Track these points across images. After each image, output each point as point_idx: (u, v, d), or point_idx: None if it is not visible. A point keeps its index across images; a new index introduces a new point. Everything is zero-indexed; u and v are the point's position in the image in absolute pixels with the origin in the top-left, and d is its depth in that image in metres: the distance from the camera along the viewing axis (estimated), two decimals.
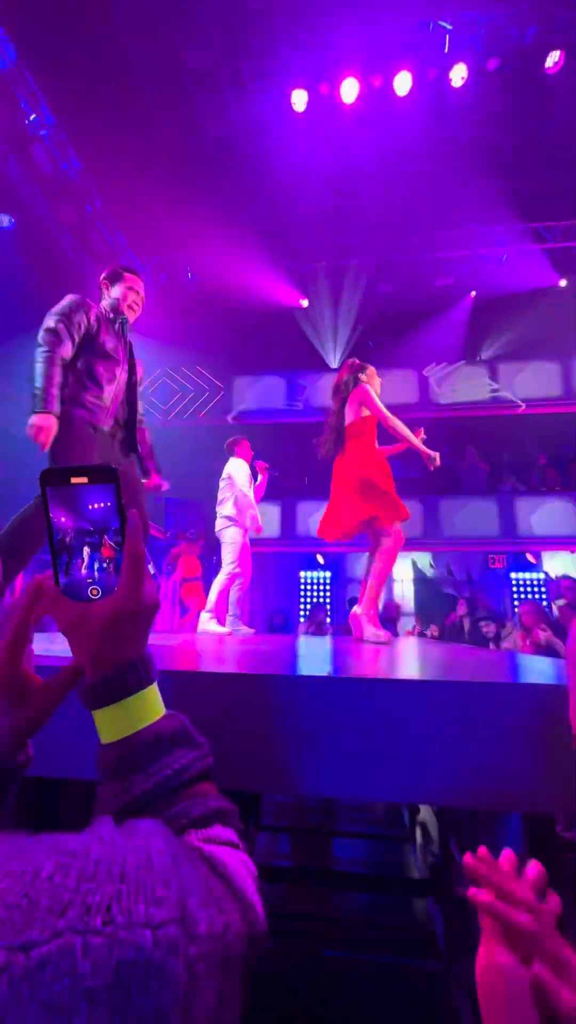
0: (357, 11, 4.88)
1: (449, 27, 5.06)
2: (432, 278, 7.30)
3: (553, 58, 5.00)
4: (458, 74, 5.21)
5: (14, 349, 5.32)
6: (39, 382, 1.60)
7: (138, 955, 0.18)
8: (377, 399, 2.39)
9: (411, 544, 7.91)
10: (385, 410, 2.39)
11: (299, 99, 5.44)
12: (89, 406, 1.69)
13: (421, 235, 6.97)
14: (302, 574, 7.79)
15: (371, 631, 2.21)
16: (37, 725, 0.42)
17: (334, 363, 8.00)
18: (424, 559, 7.67)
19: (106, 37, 4.59)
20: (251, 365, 8.10)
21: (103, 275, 1.92)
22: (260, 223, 6.69)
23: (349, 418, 2.45)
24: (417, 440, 2.39)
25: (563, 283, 7.32)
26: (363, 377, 2.48)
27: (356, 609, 2.34)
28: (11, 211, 5.85)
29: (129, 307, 1.87)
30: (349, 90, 5.34)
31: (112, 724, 0.39)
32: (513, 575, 7.11)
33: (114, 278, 1.89)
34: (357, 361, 2.58)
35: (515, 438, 7.56)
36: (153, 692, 0.41)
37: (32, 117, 5.54)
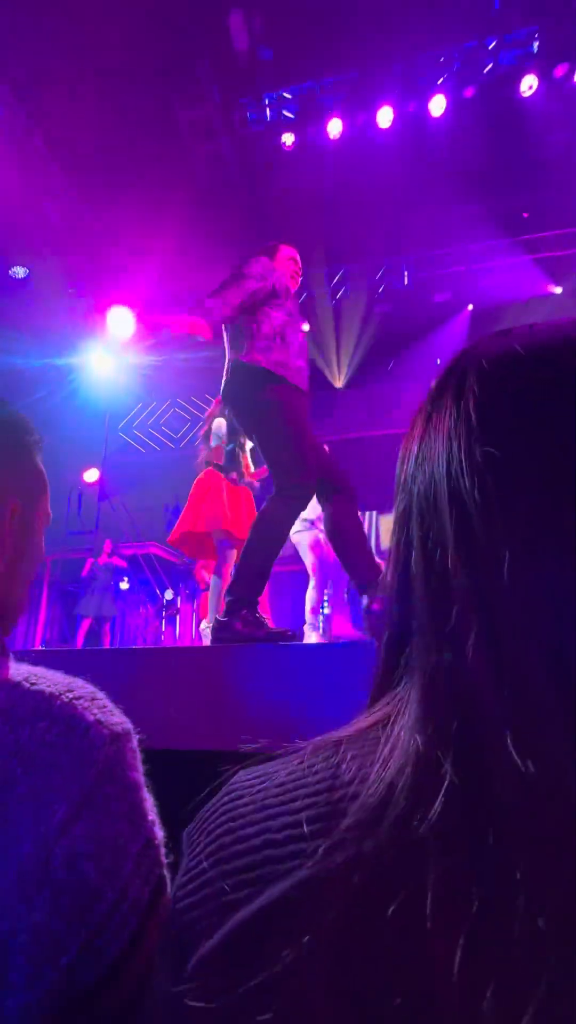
0: (336, 55, 5.20)
1: (425, 62, 5.34)
2: (430, 295, 7.49)
3: (527, 83, 5.23)
4: (437, 104, 5.47)
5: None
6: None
7: (84, 727, 0.32)
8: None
9: None
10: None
11: (288, 139, 5.76)
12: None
13: (415, 255, 7.19)
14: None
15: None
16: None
17: (338, 383, 8.21)
18: None
19: (109, 102, 4.97)
20: None
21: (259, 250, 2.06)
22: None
23: (214, 444, 2.82)
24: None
25: (558, 290, 7.44)
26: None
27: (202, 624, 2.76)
28: (25, 263, 6.25)
29: (292, 277, 2.04)
30: (335, 128, 5.64)
31: None
32: None
33: (272, 253, 2.04)
34: None
35: None
36: None
37: (43, 176, 5.95)
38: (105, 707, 0.35)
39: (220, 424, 2.91)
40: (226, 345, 1.96)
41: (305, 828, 0.23)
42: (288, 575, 7.25)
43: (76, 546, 6.10)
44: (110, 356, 7.37)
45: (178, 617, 6.57)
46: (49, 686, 0.33)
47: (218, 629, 1.72)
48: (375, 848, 0.20)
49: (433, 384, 0.31)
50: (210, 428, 2.95)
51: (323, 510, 1.96)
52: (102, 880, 0.30)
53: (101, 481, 7.60)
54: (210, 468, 2.90)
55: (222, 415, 2.92)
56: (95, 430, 7.88)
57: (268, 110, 5.53)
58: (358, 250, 7.11)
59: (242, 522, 2.71)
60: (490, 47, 5.13)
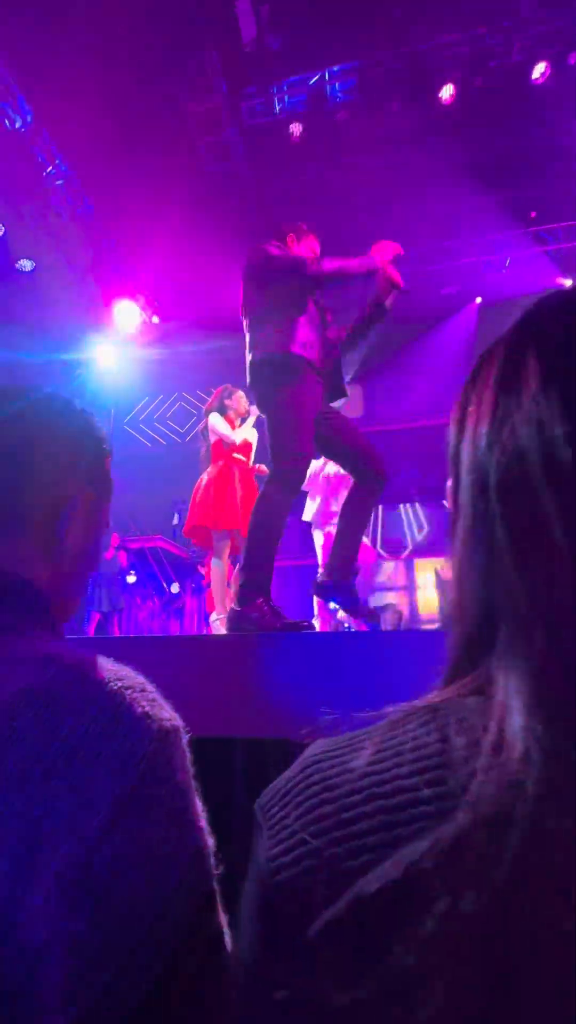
0: (344, 43, 5.13)
1: (435, 50, 5.25)
2: (436, 288, 7.41)
3: (539, 69, 5.14)
4: (447, 93, 5.38)
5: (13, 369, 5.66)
6: (340, 269, 1.83)
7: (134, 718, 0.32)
8: (222, 425, 2.77)
9: (431, 552, 7.90)
10: (230, 435, 2.80)
11: (296, 129, 5.70)
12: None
13: (422, 248, 7.11)
14: None
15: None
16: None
17: (347, 376, 8.17)
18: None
19: (115, 95, 4.93)
20: None
21: (285, 229, 2.14)
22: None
23: (212, 439, 2.80)
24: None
25: (568, 282, 7.35)
26: (228, 403, 2.81)
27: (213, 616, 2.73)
28: (31, 256, 6.23)
29: None
30: (342, 117, 5.57)
31: None
32: None
33: (300, 235, 2.11)
34: (229, 386, 2.86)
35: None
36: None
37: (49, 169, 5.92)
38: (155, 700, 0.33)
39: (216, 419, 2.88)
40: (249, 334, 1.98)
41: (425, 791, 0.22)
42: (294, 569, 7.26)
43: None
44: (116, 350, 7.36)
45: (184, 611, 6.60)
46: (98, 672, 0.33)
47: (234, 619, 1.72)
48: (521, 809, 0.20)
49: (503, 343, 0.29)
50: (207, 423, 2.93)
51: (350, 489, 1.98)
52: (147, 891, 0.28)
53: None
54: (213, 463, 2.90)
55: (218, 410, 2.91)
56: (101, 424, 7.87)
57: (275, 100, 5.47)
58: (363, 243, 7.05)
59: (228, 511, 2.70)
60: (501, 34, 5.03)
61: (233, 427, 2.88)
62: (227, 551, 2.78)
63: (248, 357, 1.93)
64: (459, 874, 0.19)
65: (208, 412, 2.96)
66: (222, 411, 2.90)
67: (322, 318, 1.99)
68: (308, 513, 3.67)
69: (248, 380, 1.94)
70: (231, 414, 2.90)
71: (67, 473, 0.43)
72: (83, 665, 0.33)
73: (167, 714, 0.33)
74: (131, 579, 6.62)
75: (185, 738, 0.34)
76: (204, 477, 2.86)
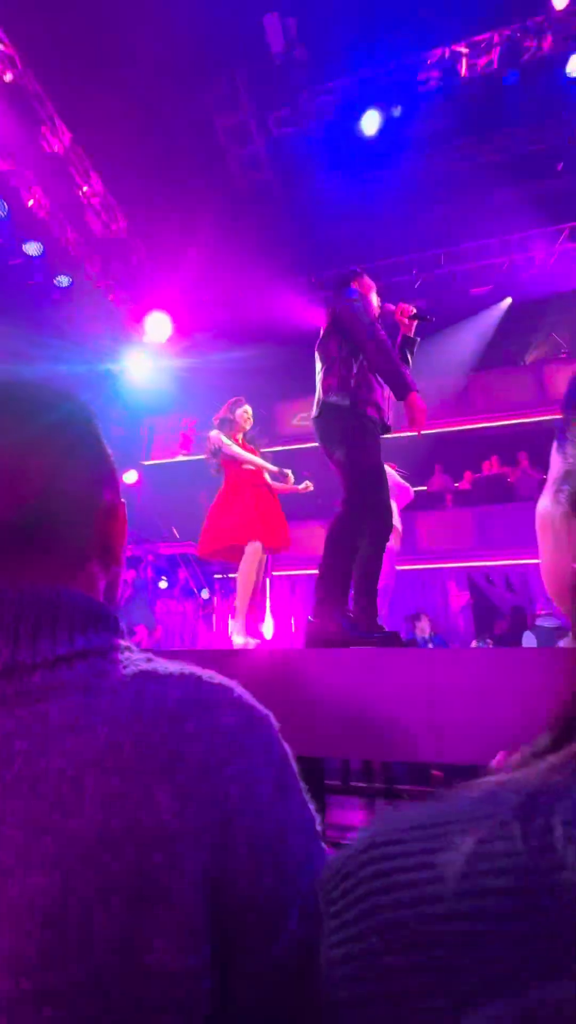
0: (372, 48, 5.13)
1: (465, 51, 5.19)
2: (467, 288, 7.28)
3: (574, 63, 5.00)
4: (478, 88, 5.31)
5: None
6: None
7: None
8: (230, 443, 2.67)
9: (462, 556, 7.71)
10: (241, 453, 2.69)
11: (325, 136, 5.74)
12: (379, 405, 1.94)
13: (452, 248, 7.02)
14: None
15: (238, 639, 2.42)
16: None
17: None
18: (480, 571, 7.45)
19: (147, 114, 5.09)
20: (295, 390, 8.34)
21: (348, 280, 2.18)
22: (296, 256, 6.98)
23: (225, 454, 2.69)
24: (284, 480, 2.79)
25: None
26: (235, 416, 2.70)
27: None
28: (68, 272, 6.48)
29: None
30: (371, 121, 5.55)
31: None
32: None
33: (359, 281, 2.16)
34: (241, 399, 2.77)
35: None
36: None
37: (84, 189, 6.15)
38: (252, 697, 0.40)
39: (216, 435, 2.72)
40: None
41: (515, 927, 0.17)
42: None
43: None
44: (149, 361, 7.53)
45: (214, 616, 6.66)
46: (213, 677, 0.38)
47: (312, 632, 1.72)
48: None
49: None
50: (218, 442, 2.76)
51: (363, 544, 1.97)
52: (304, 855, 0.34)
53: (140, 483, 7.79)
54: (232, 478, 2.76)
55: (219, 425, 2.76)
56: (135, 433, 8.08)
57: (304, 109, 5.52)
58: (393, 246, 7.00)
59: (249, 524, 2.59)
60: (534, 29, 4.94)
61: (235, 441, 2.76)
62: (258, 559, 2.67)
63: (320, 397, 1.97)
64: None
65: (218, 421, 2.80)
66: (222, 426, 2.76)
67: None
68: None
69: (314, 414, 1.98)
70: (234, 428, 2.79)
71: (111, 485, 0.45)
72: (205, 676, 0.38)
73: (263, 706, 0.40)
74: (163, 584, 6.73)
75: None
76: (218, 496, 2.73)
